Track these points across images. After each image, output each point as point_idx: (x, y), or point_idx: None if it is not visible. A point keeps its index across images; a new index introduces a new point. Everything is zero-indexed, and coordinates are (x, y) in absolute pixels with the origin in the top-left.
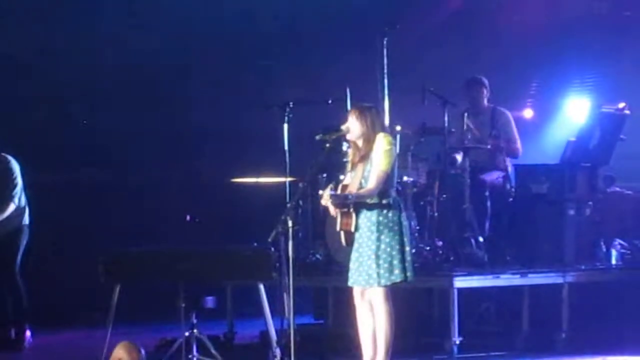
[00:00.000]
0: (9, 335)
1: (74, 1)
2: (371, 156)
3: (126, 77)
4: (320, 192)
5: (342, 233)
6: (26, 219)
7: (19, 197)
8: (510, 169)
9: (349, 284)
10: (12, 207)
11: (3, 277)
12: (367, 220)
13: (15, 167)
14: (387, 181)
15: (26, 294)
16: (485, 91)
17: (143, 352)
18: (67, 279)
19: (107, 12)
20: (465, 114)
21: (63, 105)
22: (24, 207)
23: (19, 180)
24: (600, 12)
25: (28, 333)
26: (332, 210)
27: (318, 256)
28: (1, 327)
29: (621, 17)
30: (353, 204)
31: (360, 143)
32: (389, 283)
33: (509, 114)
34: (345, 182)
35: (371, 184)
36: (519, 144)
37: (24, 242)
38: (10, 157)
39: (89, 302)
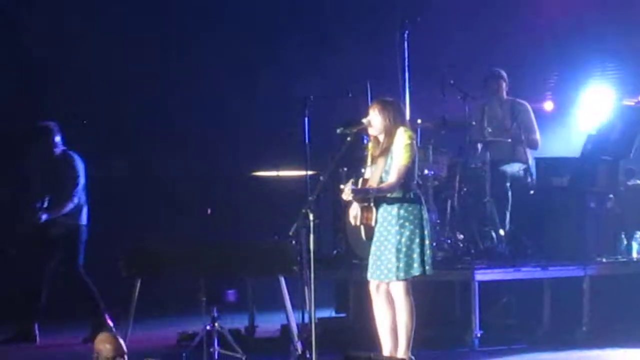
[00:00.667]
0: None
1: None
2: (392, 150)
3: (145, 70)
4: (342, 186)
5: (362, 227)
6: (84, 218)
7: (79, 195)
8: (531, 161)
9: (368, 277)
10: (70, 205)
11: (68, 276)
12: (387, 214)
13: (80, 165)
14: (408, 175)
15: (96, 289)
16: (504, 84)
17: (122, 342)
18: (87, 273)
19: (117, 9)
20: (486, 107)
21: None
22: (82, 206)
23: (82, 180)
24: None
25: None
26: (347, 195)
27: (339, 249)
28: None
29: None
30: (374, 198)
31: (381, 137)
32: (408, 277)
33: (528, 105)
34: (365, 176)
35: (392, 178)
36: (538, 135)
37: (82, 239)
38: (75, 155)
39: (109, 296)
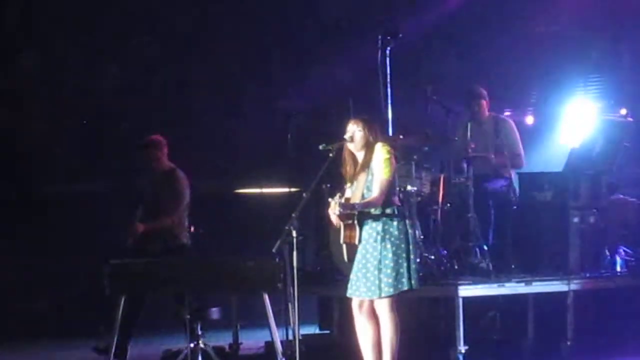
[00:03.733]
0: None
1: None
2: (371, 166)
3: (125, 86)
4: (330, 199)
5: (344, 246)
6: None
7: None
8: (514, 177)
9: (348, 294)
10: (169, 221)
11: None
12: (372, 231)
13: (185, 183)
14: (389, 189)
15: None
16: (484, 103)
17: None
18: (71, 289)
19: (107, 26)
20: (469, 124)
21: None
22: (184, 226)
23: (186, 197)
24: (599, 18)
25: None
26: (335, 221)
27: (322, 266)
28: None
29: (621, 22)
30: (357, 216)
31: (359, 154)
32: (395, 292)
33: (511, 122)
34: (347, 195)
35: (375, 192)
36: (522, 155)
37: None
38: (182, 173)
39: (92, 313)
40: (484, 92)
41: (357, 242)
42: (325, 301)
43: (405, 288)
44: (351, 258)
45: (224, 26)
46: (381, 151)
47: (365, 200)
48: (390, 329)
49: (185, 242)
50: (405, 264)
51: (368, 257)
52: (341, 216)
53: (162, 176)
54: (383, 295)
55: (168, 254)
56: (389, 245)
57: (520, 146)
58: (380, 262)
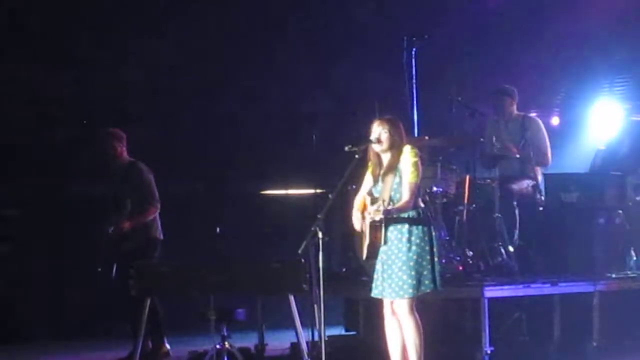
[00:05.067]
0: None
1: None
2: (399, 168)
3: (152, 89)
4: (369, 208)
5: (365, 246)
6: (160, 232)
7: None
8: (540, 178)
9: (373, 294)
10: (154, 210)
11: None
12: (397, 232)
13: (149, 174)
14: (417, 192)
15: (161, 305)
16: (510, 100)
17: None
18: (93, 291)
19: (134, 28)
20: (493, 124)
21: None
22: (157, 220)
23: (154, 189)
24: (626, 17)
25: (167, 346)
26: (359, 225)
27: (348, 267)
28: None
29: None
30: (384, 218)
31: (384, 155)
32: (415, 294)
33: (539, 122)
34: (372, 198)
35: (406, 196)
36: (549, 153)
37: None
38: (144, 165)
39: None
40: (510, 90)
41: (382, 242)
42: (351, 302)
43: (428, 290)
44: (370, 256)
45: (247, 27)
46: (409, 154)
47: (397, 205)
48: (413, 330)
49: (157, 237)
50: (429, 266)
51: (393, 259)
52: (381, 219)
53: (125, 170)
54: (403, 296)
55: (143, 250)
56: (413, 247)
57: (548, 144)
58: (405, 263)
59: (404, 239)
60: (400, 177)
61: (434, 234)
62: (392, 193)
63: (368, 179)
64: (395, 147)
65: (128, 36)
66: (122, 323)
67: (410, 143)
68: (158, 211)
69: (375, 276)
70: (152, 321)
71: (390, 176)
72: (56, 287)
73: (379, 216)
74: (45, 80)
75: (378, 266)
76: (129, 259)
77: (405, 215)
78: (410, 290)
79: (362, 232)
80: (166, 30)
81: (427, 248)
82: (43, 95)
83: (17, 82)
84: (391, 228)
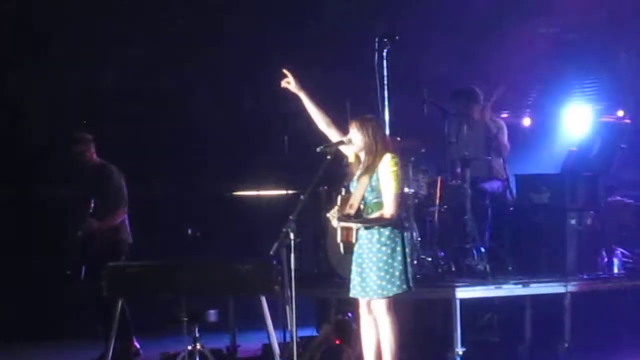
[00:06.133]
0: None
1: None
2: (376, 171)
3: (125, 89)
4: (327, 215)
5: (341, 243)
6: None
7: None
8: (510, 178)
9: (351, 295)
10: (122, 214)
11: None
12: (367, 233)
13: (120, 176)
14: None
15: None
16: (473, 102)
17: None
18: (68, 292)
19: (106, 28)
20: (463, 126)
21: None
22: (126, 222)
23: (125, 191)
24: (599, 21)
25: (137, 345)
26: (335, 223)
27: (320, 268)
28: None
29: (620, 25)
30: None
31: (362, 154)
32: (391, 294)
33: (502, 122)
34: (346, 195)
35: (389, 209)
36: (507, 145)
37: (122, 257)
38: (114, 167)
39: (90, 316)
40: (475, 92)
41: (353, 240)
42: (323, 303)
43: (400, 291)
44: (347, 251)
45: (221, 27)
46: (389, 163)
47: (375, 216)
48: (389, 329)
49: (125, 239)
50: (400, 267)
51: (364, 258)
52: (340, 217)
53: (95, 172)
54: (376, 296)
55: (111, 252)
56: (383, 248)
57: (506, 139)
58: (376, 264)
59: (374, 239)
60: (377, 181)
61: (405, 234)
62: (366, 193)
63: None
64: (368, 147)
65: (97, 37)
66: (92, 325)
67: (393, 152)
68: (126, 214)
69: (352, 276)
70: (120, 321)
71: (365, 177)
72: (26, 288)
73: (334, 222)
74: (15, 82)
75: (353, 266)
76: (97, 261)
77: (376, 215)
78: (386, 291)
79: (336, 229)
80: (136, 31)
81: (398, 249)
82: (12, 96)
83: None
84: (362, 229)
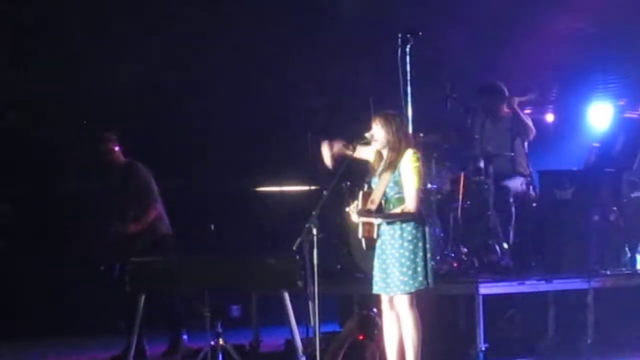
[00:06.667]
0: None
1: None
2: (398, 167)
3: (143, 85)
4: (347, 209)
5: (363, 240)
6: (168, 227)
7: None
8: (533, 174)
9: (374, 291)
10: (154, 213)
11: None
12: (389, 228)
13: (147, 172)
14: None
15: (180, 300)
16: (498, 98)
17: None
18: (92, 287)
19: (118, 28)
20: (486, 122)
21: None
22: (163, 216)
23: (154, 187)
24: (622, 16)
25: (185, 337)
26: (355, 217)
27: (343, 264)
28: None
29: None
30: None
31: (384, 151)
32: (413, 290)
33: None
34: (367, 190)
35: (411, 205)
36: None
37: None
38: (140, 164)
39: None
40: (502, 88)
41: (375, 236)
42: (346, 299)
43: (423, 286)
44: (370, 247)
45: (242, 23)
46: (411, 159)
47: (398, 211)
48: (412, 326)
49: (165, 233)
50: (423, 263)
51: (387, 254)
52: (360, 212)
53: (122, 171)
54: (399, 292)
55: (153, 247)
56: (405, 244)
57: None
58: (398, 260)
59: (397, 235)
60: (399, 177)
61: (426, 230)
62: (387, 190)
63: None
64: (392, 144)
65: (115, 33)
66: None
67: (415, 148)
68: (160, 209)
69: (374, 272)
70: (169, 318)
71: (387, 173)
72: (54, 284)
73: (353, 217)
74: (36, 79)
75: (375, 262)
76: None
77: (396, 210)
78: (409, 287)
79: (357, 225)
80: (153, 27)
81: (420, 244)
82: (35, 93)
83: (8, 81)
84: (384, 225)
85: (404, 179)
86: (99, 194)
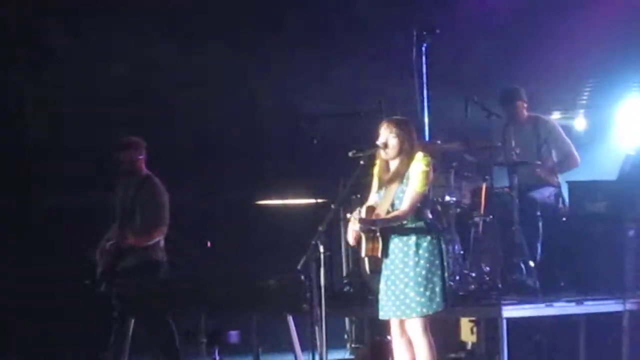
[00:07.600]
0: None
1: None
2: (407, 175)
3: (140, 93)
4: (348, 215)
5: (366, 260)
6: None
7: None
8: (562, 185)
9: (381, 316)
10: (158, 236)
11: None
12: (402, 245)
13: (163, 191)
14: (422, 202)
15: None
16: (520, 103)
17: None
18: (77, 311)
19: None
20: (509, 128)
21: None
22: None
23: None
24: None
25: None
26: (353, 236)
27: (352, 284)
28: None
29: None
30: (381, 228)
31: (396, 161)
32: (431, 312)
33: (553, 121)
34: (369, 203)
35: (405, 205)
36: (575, 152)
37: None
38: (158, 180)
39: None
40: (519, 92)
41: (379, 254)
42: (356, 323)
43: (440, 309)
44: (373, 270)
45: (241, 22)
46: (421, 162)
47: (391, 214)
48: (426, 352)
49: (160, 259)
50: (440, 282)
51: (398, 274)
52: (362, 229)
53: (140, 183)
54: (415, 315)
55: (144, 271)
56: (422, 262)
57: (570, 142)
58: (413, 279)
59: (411, 252)
60: (408, 185)
61: (443, 246)
62: (396, 202)
63: (374, 185)
64: (404, 153)
65: (118, 36)
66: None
67: (421, 148)
68: (164, 234)
69: (380, 295)
70: (162, 345)
71: (395, 184)
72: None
73: (356, 227)
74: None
75: (382, 284)
76: (125, 278)
77: (412, 225)
78: (422, 309)
79: (358, 246)
80: (156, 31)
81: (437, 262)
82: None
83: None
84: (395, 240)
85: (410, 182)
86: (86, 208)
